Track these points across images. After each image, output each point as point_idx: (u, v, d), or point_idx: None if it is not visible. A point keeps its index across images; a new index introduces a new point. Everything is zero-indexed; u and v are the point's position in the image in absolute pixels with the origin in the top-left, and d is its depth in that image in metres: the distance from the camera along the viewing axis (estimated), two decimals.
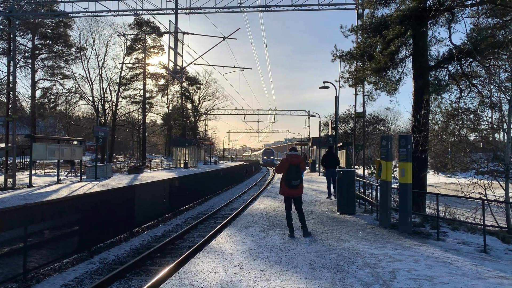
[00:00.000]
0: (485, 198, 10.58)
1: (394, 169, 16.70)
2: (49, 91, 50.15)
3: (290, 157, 9.31)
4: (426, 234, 10.00)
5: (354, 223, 11.32)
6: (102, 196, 14.82)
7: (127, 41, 49.92)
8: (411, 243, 8.70)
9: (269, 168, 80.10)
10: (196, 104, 76.84)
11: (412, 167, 10.41)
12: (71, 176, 32.75)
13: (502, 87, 12.38)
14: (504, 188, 11.03)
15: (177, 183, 21.61)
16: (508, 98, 11.07)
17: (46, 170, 39.98)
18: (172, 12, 21.02)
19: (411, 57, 14.49)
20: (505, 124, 12.33)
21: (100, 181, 26.23)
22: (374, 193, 15.04)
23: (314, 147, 49.85)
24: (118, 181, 26.19)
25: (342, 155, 26.85)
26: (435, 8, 12.19)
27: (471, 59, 13.29)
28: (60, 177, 26.63)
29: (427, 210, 14.30)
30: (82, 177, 28.95)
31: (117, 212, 15.40)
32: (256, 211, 13.62)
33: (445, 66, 13.98)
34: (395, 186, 11.66)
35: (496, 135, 15.15)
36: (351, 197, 13.17)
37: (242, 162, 67.57)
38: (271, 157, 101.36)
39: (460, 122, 13.81)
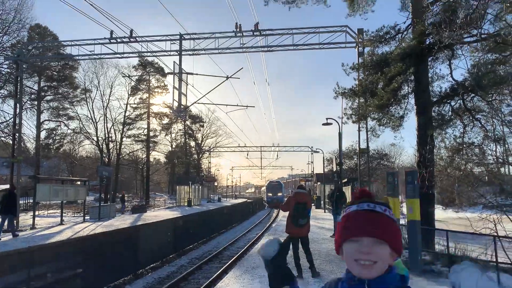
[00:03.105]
0: (496, 234, 10.38)
1: (402, 204, 16.54)
2: (54, 132, 50.68)
3: (297, 195, 9.23)
4: (437, 272, 9.76)
5: None
6: (105, 238, 14.67)
7: (132, 82, 50.85)
8: (422, 282, 8.48)
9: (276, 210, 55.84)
10: (199, 142, 77.15)
11: (419, 203, 10.30)
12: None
13: (505, 121, 12.44)
14: None
15: (181, 222, 21.41)
16: None
17: (49, 211, 39.70)
18: (176, 53, 21.52)
19: (413, 93, 14.66)
20: (510, 158, 12.29)
21: (104, 221, 25.93)
22: None
23: (319, 183, 49.56)
24: (122, 221, 25.89)
25: (347, 191, 26.66)
26: (435, 46, 12.43)
27: (473, 94, 13.42)
28: (63, 217, 26.38)
29: (436, 246, 14.02)
30: (86, 217, 28.68)
31: (120, 254, 15.19)
32: None
33: (447, 101, 14.11)
34: (403, 221, 11.51)
35: (502, 168, 15.07)
36: None
37: (246, 200, 67.07)
38: (279, 193, 68.00)
39: (465, 157, 13.78)
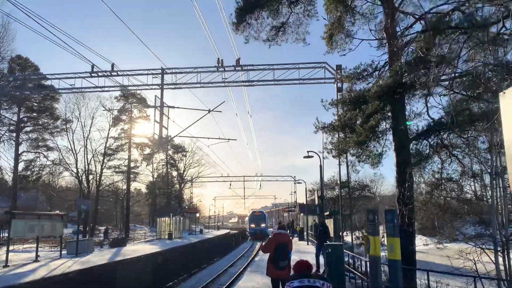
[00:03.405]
0: (476, 271, 10.41)
1: (382, 238, 16.52)
2: (33, 163, 49.59)
3: (277, 236, 9.10)
4: None
5: None
6: (80, 277, 14.19)
7: (113, 113, 50.61)
8: None
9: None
10: (182, 172, 76.44)
11: (400, 241, 10.28)
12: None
13: (482, 158, 12.67)
14: (494, 261, 10.90)
15: (161, 258, 20.91)
16: (489, 170, 11.28)
17: (24, 246, 38.31)
18: (158, 87, 21.57)
19: (391, 130, 14.89)
20: (488, 194, 12.46)
21: (81, 257, 25.13)
22: (363, 263, 14.70)
23: (302, 214, 49.32)
24: (100, 256, 25.14)
25: (330, 224, 26.57)
26: (410, 84, 12.73)
27: (449, 131, 13.69)
28: (39, 253, 25.47)
29: (418, 281, 13.96)
30: (62, 252, 27.77)
31: None
32: None
33: (425, 138, 14.35)
34: (384, 253, 11.48)
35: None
36: (341, 273, 12.81)
37: (229, 231, 66.16)
38: (262, 225, 62.91)
39: (444, 192, 13.94)
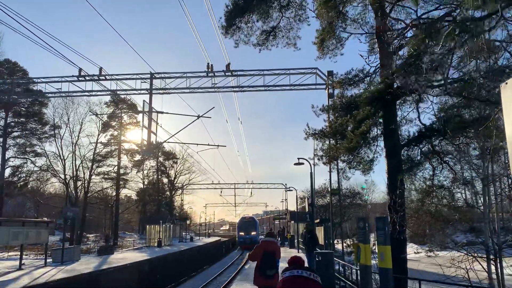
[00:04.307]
0: (469, 281, 10.18)
1: (373, 247, 16.32)
2: (20, 169, 48.79)
3: (264, 244, 8.82)
4: None
5: None
6: (63, 286, 13.75)
7: (102, 119, 49.97)
8: None
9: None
10: (172, 179, 75.80)
11: (391, 250, 10.03)
12: None
13: (473, 165, 12.50)
14: (487, 270, 10.69)
15: (147, 267, 20.45)
16: (481, 176, 11.11)
17: (10, 253, 37.50)
18: (147, 92, 21.23)
19: (383, 135, 14.69)
20: (480, 201, 12.28)
21: (67, 265, 24.56)
22: (354, 272, 14.42)
23: (292, 221, 48.96)
24: (86, 265, 24.59)
25: (320, 232, 26.30)
26: (402, 90, 12.56)
27: (441, 137, 13.53)
28: (24, 261, 24.84)
29: None
30: (48, 260, 27.15)
31: None
32: None
33: (416, 144, 14.18)
34: (375, 262, 11.25)
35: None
36: (331, 280, 12.52)
37: (219, 238, 65.58)
38: (253, 233, 54.87)
39: (436, 200, 13.75)
